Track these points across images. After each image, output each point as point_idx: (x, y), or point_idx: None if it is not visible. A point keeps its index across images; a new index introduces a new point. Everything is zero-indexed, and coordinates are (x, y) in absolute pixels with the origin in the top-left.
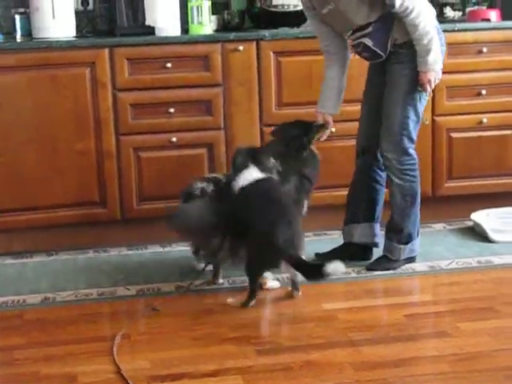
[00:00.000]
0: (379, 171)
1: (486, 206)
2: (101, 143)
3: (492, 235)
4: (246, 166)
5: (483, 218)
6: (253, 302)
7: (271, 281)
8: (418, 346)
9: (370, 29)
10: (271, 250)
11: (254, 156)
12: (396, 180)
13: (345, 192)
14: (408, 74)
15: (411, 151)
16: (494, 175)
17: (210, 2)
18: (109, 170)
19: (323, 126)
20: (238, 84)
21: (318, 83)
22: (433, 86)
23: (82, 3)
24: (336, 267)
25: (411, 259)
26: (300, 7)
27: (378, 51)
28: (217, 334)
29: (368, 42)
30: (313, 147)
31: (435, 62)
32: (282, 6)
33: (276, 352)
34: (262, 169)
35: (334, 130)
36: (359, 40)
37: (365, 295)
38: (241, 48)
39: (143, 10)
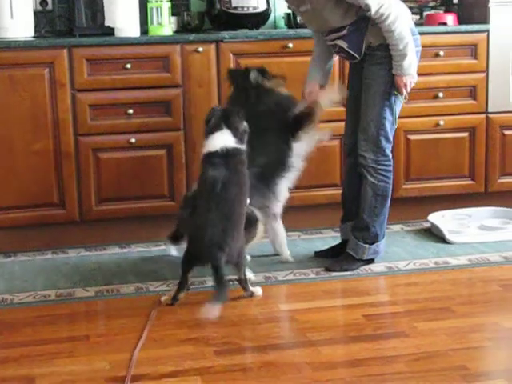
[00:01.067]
0: None
1: (442, 207)
2: (59, 144)
3: (449, 236)
4: (218, 128)
5: (440, 219)
6: (181, 295)
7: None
8: (376, 345)
9: (344, 31)
10: (198, 244)
11: (228, 118)
12: (370, 178)
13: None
14: (384, 75)
15: (388, 152)
16: (450, 177)
17: (169, 3)
18: (67, 171)
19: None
20: (198, 85)
21: None
22: (409, 89)
23: (40, 3)
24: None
25: (371, 260)
26: (259, 9)
27: (353, 53)
28: (176, 335)
29: (343, 44)
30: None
31: (410, 66)
32: (242, 7)
33: (235, 352)
34: (235, 134)
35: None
36: (334, 42)
37: (323, 296)
38: (200, 49)
39: (102, 10)
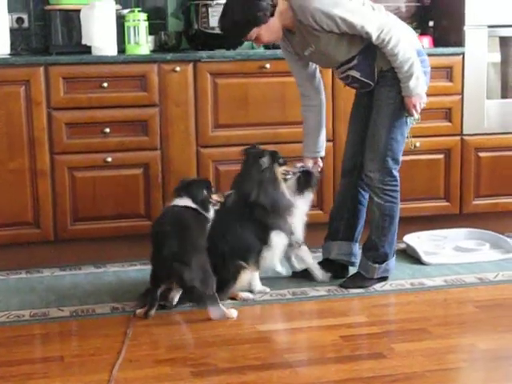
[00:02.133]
0: (363, 191)
1: (417, 228)
2: (35, 162)
3: (424, 258)
4: (178, 196)
5: (415, 240)
6: (151, 312)
7: (244, 293)
8: (354, 367)
9: (355, 61)
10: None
11: (190, 188)
12: (376, 199)
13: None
14: (394, 96)
15: (395, 172)
16: (425, 198)
17: (146, 23)
18: (42, 190)
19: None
20: (175, 105)
21: (254, 105)
22: (419, 110)
23: (16, 21)
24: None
25: (384, 278)
26: None
27: (367, 81)
28: (152, 356)
29: (355, 73)
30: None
31: (417, 87)
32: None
33: (212, 373)
34: (194, 201)
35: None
36: (346, 73)
37: (300, 316)
38: (178, 69)
39: (79, 28)
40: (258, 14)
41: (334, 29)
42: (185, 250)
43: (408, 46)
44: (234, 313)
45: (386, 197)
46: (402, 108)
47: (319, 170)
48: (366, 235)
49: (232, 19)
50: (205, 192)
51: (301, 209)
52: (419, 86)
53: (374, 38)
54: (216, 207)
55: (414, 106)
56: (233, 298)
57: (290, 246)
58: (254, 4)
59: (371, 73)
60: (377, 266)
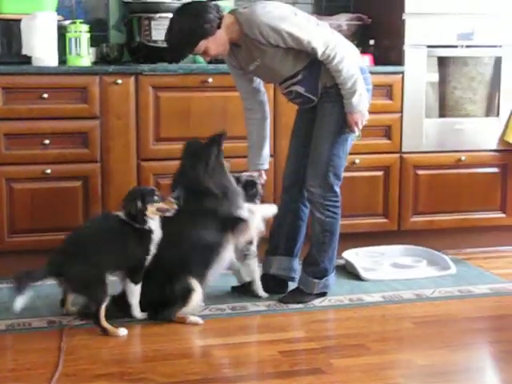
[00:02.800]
0: (303, 207)
1: (356, 244)
2: None
3: (363, 274)
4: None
5: (353, 256)
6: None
7: (192, 317)
8: (293, 382)
9: (299, 77)
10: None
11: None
12: (317, 214)
13: None
14: (337, 111)
15: (336, 188)
16: (364, 215)
17: (88, 34)
18: None
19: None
20: (116, 117)
21: (196, 119)
22: (360, 127)
23: None
24: None
25: (324, 294)
26: None
27: (310, 96)
28: (90, 370)
29: (299, 89)
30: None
31: (359, 103)
32: (162, 41)
33: None
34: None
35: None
36: (290, 88)
37: (239, 331)
38: (119, 81)
39: (19, 38)
40: (205, 26)
41: (281, 43)
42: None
43: (352, 63)
44: (123, 331)
45: (327, 212)
46: (344, 124)
47: (263, 182)
48: (306, 251)
49: (179, 31)
50: (138, 203)
51: (256, 217)
52: (362, 103)
53: (319, 53)
54: (164, 215)
55: (356, 123)
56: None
57: (245, 256)
58: (200, 16)
59: (315, 88)
60: (317, 281)
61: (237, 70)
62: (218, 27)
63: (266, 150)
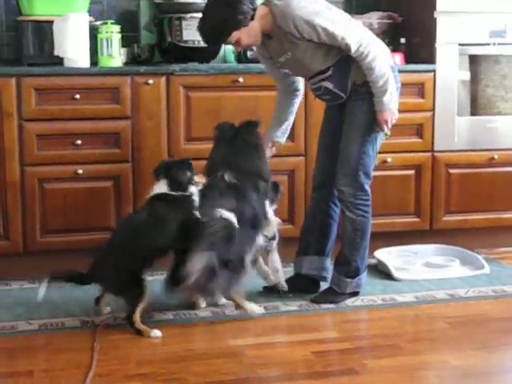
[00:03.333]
0: (334, 206)
1: (388, 244)
2: (4, 173)
3: (395, 273)
4: (158, 178)
5: (386, 256)
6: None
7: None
8: (327, 383)
9: (329, 72)
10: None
11: (169, 169)
12: (348, 213)
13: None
14: (366, 110)
15: (366, 187)
16: (396, 214)
17: (119, 35)
18: (12, 201)
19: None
20: (147, 117)
21: (226, 118)
22: (390, 126)
23: None
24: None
25: (356, 293)
26: None
27: (339, 93)
28: (123, 370)
29: (328, 85)
30: None
31: (390, 102)
32: (193, 41)
33: None
34: (170, 183)
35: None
36: (319, 84)
37: (272, 331)
38: (151, 81)
39: (51, 39)
40: (239, 17)
41: (314, 38)
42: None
43: (384, 62)
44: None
45: (358, 211)
46: (373, 122)
47: (270, 155)
48: (337, 250)
49: (212, 22)
50: (188, 172)
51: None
52: (392, 102)
53: (353, 50)
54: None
55: (386, 122)
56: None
57: (267, 252)
58: (235, 7)
59: (344, 85)
60: (349, 280)
61: (267, 60)
62: (252, 18)
63: (287, 125)
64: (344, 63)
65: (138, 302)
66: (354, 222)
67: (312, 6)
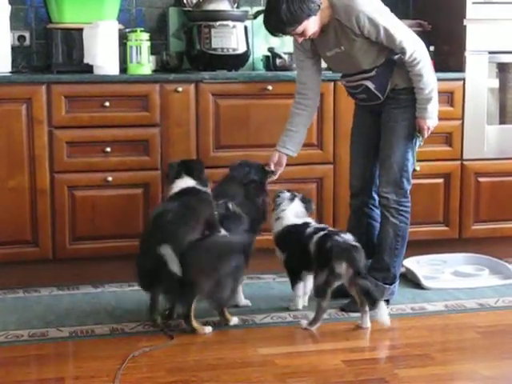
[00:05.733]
0: (375, 209)
1: (417, 252)
2: (34, 181)
3: (424, 282)
4: (178, 176)
5: (415, 264)
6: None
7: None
8: None
9: (373, 72)
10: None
11: (188, 167)
12: (392, 219)
13: None
14: (409, 117)
15: (408, 193)
16: (424, 223)
17: (149, 43)
18: (42, 208)
19: (272, 173)
20: (176, 125)
21: (255, 126)
22: (429, 133)
23: (18, 39)
24: None
25: (387, 302)
26: (239, 51)
27: (378, 94)
28: (153, 379)
29: (370, 84)
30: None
31: (434, 110)
32: (222, 49)
33: None
34: (194, 178)
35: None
36: (360, 82)
37: (302, 340)
38: (180, 89)
39: (80, 47)
40: (312, 6)
41: (373, 36)
42: None
43: (432, 70)
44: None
45: (400, 217)
46: (414, 129)
47: (276, 171)
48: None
49: (287, 10)
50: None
51: None
52: (435, 110)
53: (407, 55)
54: None
55: (428, 129)
56: None
57: None
58: None
59: (384, 87)
60: (387, 287)
61: (305, 53)
62: (319, 8)
63: (300, 138)
64: (388, 66)
65: (193, 300)
66: (397, 228)
67: (376, 5)
